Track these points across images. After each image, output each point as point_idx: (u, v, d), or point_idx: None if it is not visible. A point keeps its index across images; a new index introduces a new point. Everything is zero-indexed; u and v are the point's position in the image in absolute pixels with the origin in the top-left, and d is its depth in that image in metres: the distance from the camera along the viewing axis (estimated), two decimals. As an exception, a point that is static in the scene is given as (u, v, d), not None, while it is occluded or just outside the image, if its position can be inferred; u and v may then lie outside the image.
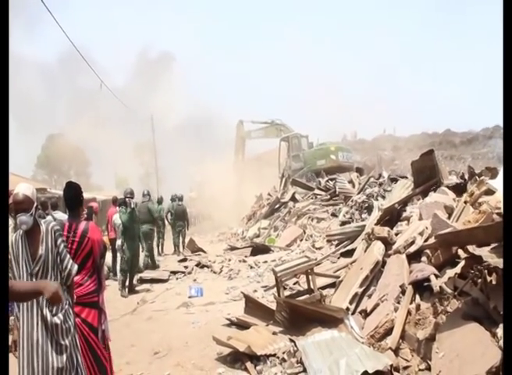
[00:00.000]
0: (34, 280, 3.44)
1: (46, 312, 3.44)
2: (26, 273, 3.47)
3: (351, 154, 25.97)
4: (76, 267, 3.66)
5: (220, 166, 29.66)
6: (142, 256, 11.88)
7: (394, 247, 6.08)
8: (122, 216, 9.84)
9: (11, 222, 6.37)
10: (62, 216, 8.20)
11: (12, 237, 3.66)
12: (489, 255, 4.01)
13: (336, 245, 9.84)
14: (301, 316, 5.54)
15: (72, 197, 4.29)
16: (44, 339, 3.41)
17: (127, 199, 9.91)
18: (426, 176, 7.96)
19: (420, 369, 4.13)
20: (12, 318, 6.42)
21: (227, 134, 34.56)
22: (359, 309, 5.58)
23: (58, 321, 3.47)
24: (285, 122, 29.01)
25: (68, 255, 3.64)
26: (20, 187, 3.67)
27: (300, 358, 4.64)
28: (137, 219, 10.55)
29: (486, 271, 4.06)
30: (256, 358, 4.99)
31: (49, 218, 8.41)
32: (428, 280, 4.86)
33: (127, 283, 9.69)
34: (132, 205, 9.88)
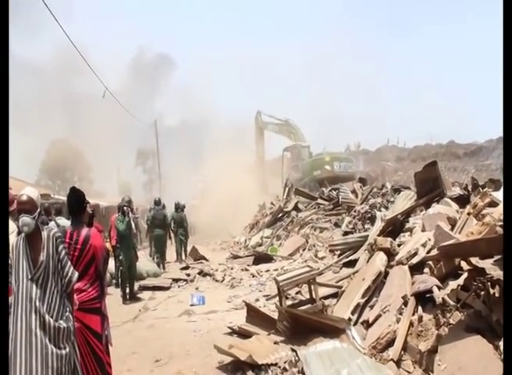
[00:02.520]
0: (34, 286, 3.43)
1: (47, 318, 3.41)
2: (26, 278, 3.45)
3: (351, 163, 26.02)
4: (76, 274, 3.62)
5: (223, 173, 29.77)
6: (143, 263, 11.90)
7: (397, 258, 6.08)
8: (119, 224, 9.83)
9: (15, 226, 6.36)
10: (65, 222, 8.20)
11: (13, 242, 3.65)
12: (492, 268, 4.02)
13: (339, 255, 9.83)
14: (303, 325, 5.52)
15: (76, 203, 4.30)
16: (43, 344, 3.38)
17: (125, 208, 9.91)
18: (429, 188, 7.96)
19: (422, 381, 4.12)
20: None
21: (229, 139, 34.93)
22: (361, 320, 5.57)
23: (61, 326, 3.44)
24: (297, 124, 29.22)
25: (69, 262, 3.60)
26: (26, 189, 3.71)
27: (302, 368, 4.63)
28: (135, 228, 10.55)
29: (489, 283, 4.06)
30: (257, 368, 4.97)
31: (52, 224, 8.41)
32: (430, 291, 4.85)
33: (127, 291, 9.71)
34: (130, 214, 9.88)
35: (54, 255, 3.53)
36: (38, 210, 3.63)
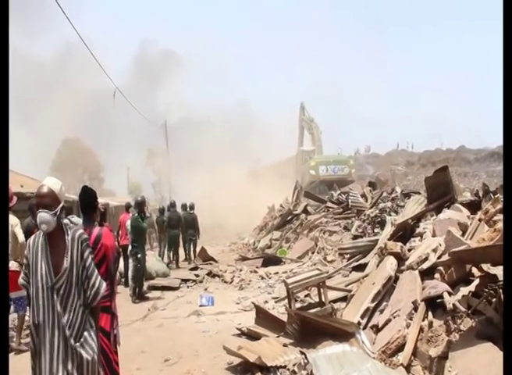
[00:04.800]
0: (55, 296, 3.03)
1: (72, 341, 3.04)
2: (45, 285, 3.04)
3: (343, 166, 26.09)
4: (104, 285, 3.22)
5: (234, 173, 29.87)
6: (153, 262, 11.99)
7: (407, 263, 6.07)
8: (140, 223, 9.99)
9: (16, 220, 6.36)
10: (77, 220, 8.25)
11: (30, 239, 3.21)
12: (504, 275, 3.99)
13: (348, 259, 9.82)
14: (312, 328, 5.53)
15: (88, 201, 4.33)
16: (63, 365, 3.03)
17: (145, 208, 10.12)
18: (440, 193, 7.94)
19: (432, 387, 4.11)
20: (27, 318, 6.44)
21: (238, 139, 35.08)
22: (370, 324, 5.57)
23: (83, 356, 3.07)
24: (318, 125, 29.32)
25: (96, 271, 3.19)
26: (48, 180, 3.21)
27: (311, 371, 4.64)
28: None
29: (501, 290, 4.04)
30: (266, 370, 4.99)
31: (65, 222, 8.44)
32: (441, 297, 4.84)
33: (137, 290, 9.78)
34: (147, 214, 10.05)
35: (78, 261, 3.09)
36: (61, 205, 3.13)
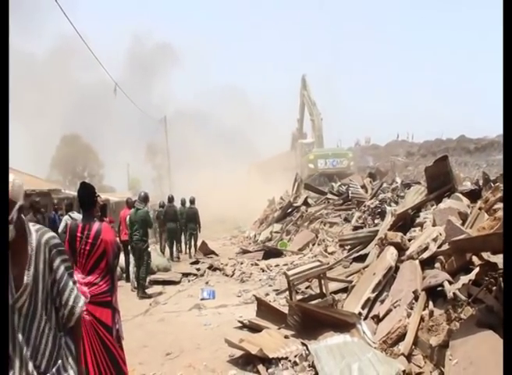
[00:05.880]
0: (17, 317, 2.20)
1: (31, 368, 2.22)
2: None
3: (342, 159, 26.12)
4: (82, 302, 2.45)
5: (234, 167, 29.87)
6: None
7: (407, 252, 6.06)
8: (149, 217, 10.05)
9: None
10: (78, 216, 8.25)
11: None
12: (504, 263, 3.98)
13: (349, 250, 9.82)
14: (313, 319, 5.54)
15: (86, 197, 4.33)
16: None
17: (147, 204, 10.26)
18: (440, 182, 7.92)
19: (433, 376, 4.11)
20: None
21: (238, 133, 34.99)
22: (371, 314, 5.56)
23: None
24: (320, 112, 29.12)
25: (70, 284, 2.40)
26: None
27: (312, 362, 4.65)
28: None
29: (501, 278, 4.04)
30: (268, 361, 5.01)
31: (66, 218, 8.42)
32: (441, 286, 4.83)
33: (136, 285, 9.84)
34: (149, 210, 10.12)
35: (45, 273, 2.31)
36: (17, 206, 2.18)
